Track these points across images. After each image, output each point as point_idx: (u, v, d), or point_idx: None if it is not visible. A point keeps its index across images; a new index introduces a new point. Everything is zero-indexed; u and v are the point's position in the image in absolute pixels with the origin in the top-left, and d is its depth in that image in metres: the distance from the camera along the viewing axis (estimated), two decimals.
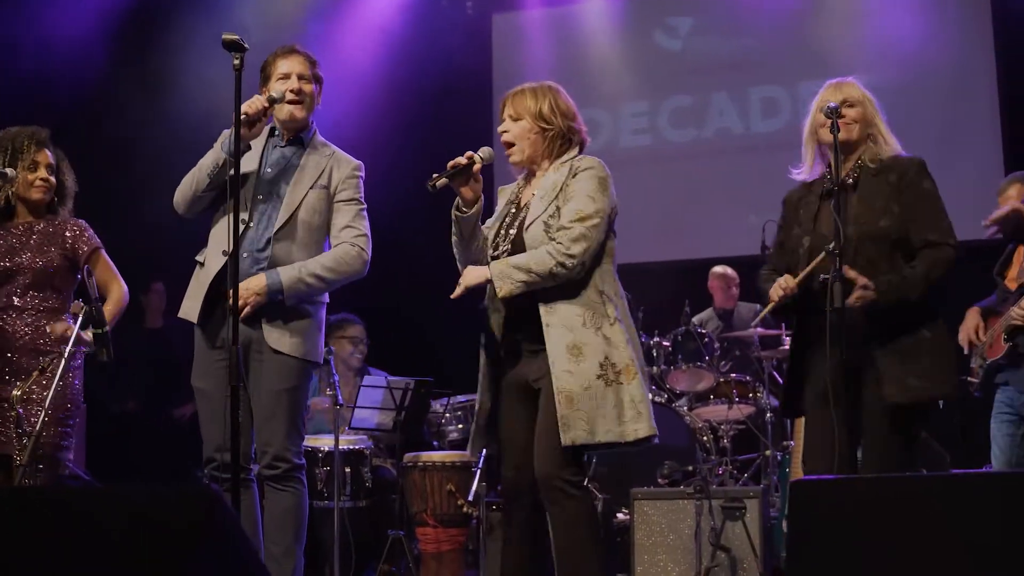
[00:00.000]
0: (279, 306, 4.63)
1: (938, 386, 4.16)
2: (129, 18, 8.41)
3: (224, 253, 4.52)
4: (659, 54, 9.77)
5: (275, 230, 4.66)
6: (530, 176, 4.40)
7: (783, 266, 4.42)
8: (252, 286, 4.52)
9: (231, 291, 4.11)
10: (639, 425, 4.05)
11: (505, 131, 4.30)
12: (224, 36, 4.03)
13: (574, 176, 4.20)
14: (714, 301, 8.65)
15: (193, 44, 8.01)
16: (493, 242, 4.34)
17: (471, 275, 4.14)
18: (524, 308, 4.16)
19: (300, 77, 4.74)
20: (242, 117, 4.31)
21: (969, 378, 5.59)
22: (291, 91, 4.69)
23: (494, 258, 4.27)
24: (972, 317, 5.57)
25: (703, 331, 7.66)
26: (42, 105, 7.13)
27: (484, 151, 4.19)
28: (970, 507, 2.53)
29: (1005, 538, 2.48)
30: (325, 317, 4.87)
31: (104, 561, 2.34)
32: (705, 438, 7.40)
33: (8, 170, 4.90)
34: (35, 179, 4.95)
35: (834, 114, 4.20)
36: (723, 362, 7.72)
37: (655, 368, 7.67)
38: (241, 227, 4.60)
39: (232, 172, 4.20)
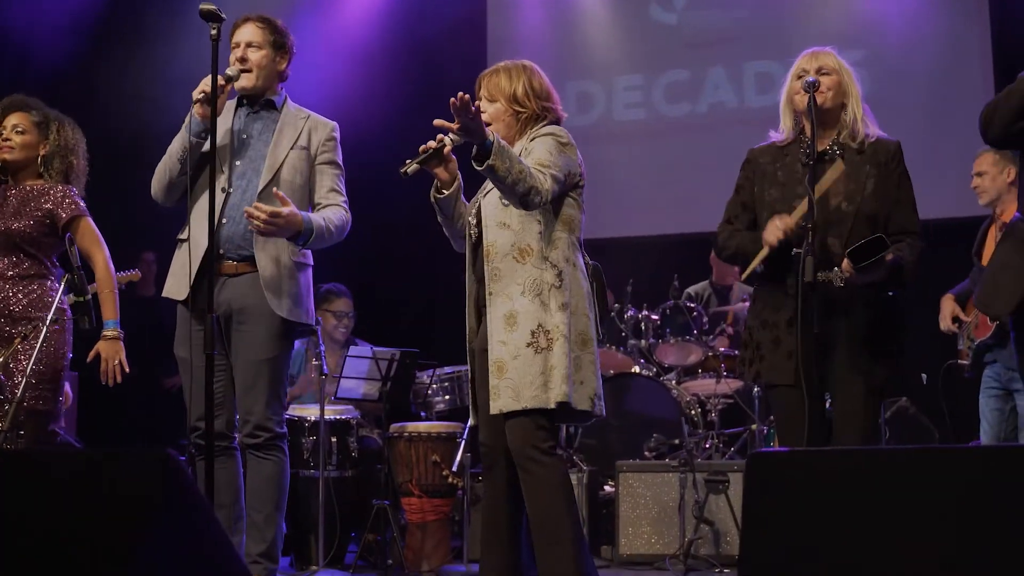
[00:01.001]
0: (273, 266, 4.67)
1: (896, 368, 4.21)
2: None
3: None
4: (655, 27, 9.73)
5: (259, 190, 4.68)
6: None
7: (744, 227, 4.39)
8: (289, 215, 4.51)
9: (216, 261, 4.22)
10: (561, 391, 4.03)
11: (483, 111, 4.25)
12: (201, 6, 4.05)
13: (531, 140, 4.22)
14: (712, 275, 8.59)
15: (184, 12, 8.00)
16: (469, 221, 4.38)
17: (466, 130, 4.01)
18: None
19: (248, 45, 4.76)
20: (194, 101, 4.42)
21: (959, 360, 5.66)
22: (238, 60, 4.73)
23: (474, 243, 4.32)
24: (947, 304, 5.69)
25: (692, 305, 7.67)
26: (32, 71, 7.16)
27: (453, 136, 4.17)
28: (932, 481, 2.54)
29: (966, 513, 2.49)
30: (311, 281, 4.90)
31: (59, 524, 2.36)
32: (693, 412, 7.42)
33: None
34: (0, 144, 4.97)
35: (812, 88, 4.19)
36: (712, 336, 7.72)
37: (643, 341, 7.68)
38: (222, 195, 4.64)
39: (208, 146, 4.22)
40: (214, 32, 4.07)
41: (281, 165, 4.72)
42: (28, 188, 5.00)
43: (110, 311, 4.97)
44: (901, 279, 4.17)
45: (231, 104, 4.81)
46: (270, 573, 4.76)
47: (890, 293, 4.25)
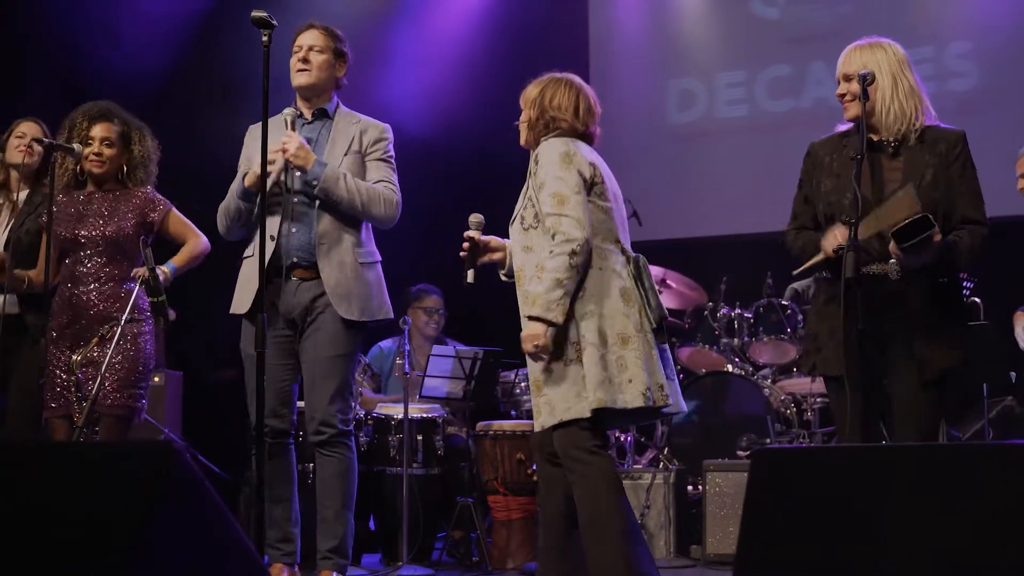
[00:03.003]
0: (338, 271, 4.79)
1: (954, 359, 4.11)
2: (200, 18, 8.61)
3: (272, 238, 4.70)
4: (756, 23, 9.62)
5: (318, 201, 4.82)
6: None
7: (810, 223, 4.39)
8: (302, 151, 4.75)
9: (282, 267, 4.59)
10: (593, 398, 4.07)
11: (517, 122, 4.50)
12: (253, 13, 4.16)
13: (536, 161, 4.29)
14: None
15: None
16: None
17: (528, 339, 4.14)
18: None
19: (311, 48, 4.93)
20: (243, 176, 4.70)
21: None
22: (299, 59, 4.89)
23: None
24: (1020, 321, 5.54)
25: (787, 303, 7.57)
26: (116, 81, 7.37)
27: (473, 219, 4.46)
28: (935, 478, 2.51)
29: (969, 510, 2.46)
30: (382, 276, 5.01)
31: (68, 512, 2.45)
32: (788, 411, 7.34)
33: (75, 145, 5.11)
34: (89, 153, 5.15)
35: (863, 81, 4.15)
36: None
37: (736, 340, 7.62)
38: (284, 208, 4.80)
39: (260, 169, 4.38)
40: (265, 39, 4.18)
41: (338, 168, 4.86)
42: (116, 193, 5.19)
43: (176, 259, 5.16)
44: (955, 261, 4.10)
45: (279, 123, 4.85)
46: (341, 568, 4.86)
47: (942, 279, 4.15)
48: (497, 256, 4.48)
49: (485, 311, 8.50)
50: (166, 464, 2.45)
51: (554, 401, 4.14)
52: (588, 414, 4.09)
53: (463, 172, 9.20)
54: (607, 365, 4.11)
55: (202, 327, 7.35)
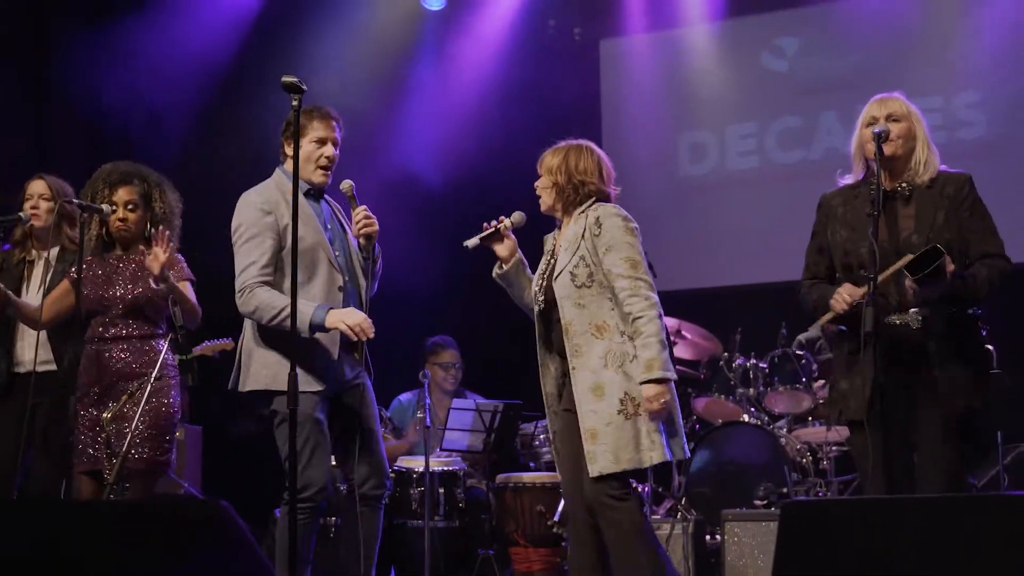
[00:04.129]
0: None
1: (977, 404, 4.18)
2: (231, 58, 8.73)
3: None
4: (766, 75, 9.73)
5: (364, 284, 5.00)
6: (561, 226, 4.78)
7: (823, 272, 4.49)
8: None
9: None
10: (653, 452, 4.44)
11: (536, 186, 4.77)
12: (283, 79, 4.23)
13: (599, 224, 4.54)
14: None
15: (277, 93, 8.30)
16: (534, 291, 4.76)
17: (652, 400, 4.43)
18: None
19: (335, 144, 4.98)
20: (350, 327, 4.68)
21: None
22: (326, 157, 4.92)
23: (540, 313, 4.72)
24: None
25: (801, 352, 7.63)
26: (148, 139, 7.47)
27: (515, 216, 4.80)
28: (967, 530, 2.56)
29: (998, 563, 2.51)
30: None
31: (116, 570, 2.52)
32: (804, 460, 7.38)
33: (104, 206, 5.18)
34: (115, 219, 5.22)
35: (878, 139, 4.24)
36: (823, 384, 7.67)
37: (752, 390, 7.67)
38: (342, 294, 4.87)
39: (291, 234, 4.41)
40: (295, 103, 4.26)
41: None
42: (143, 256, 5.22)
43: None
44: (975, 291, 4.19)
45: (288, 190, 4.78)
46: None
47: (969, 311, 4.24)
48: (503, 254, 4.82)
49: (503, 363, 8.58)
50: (214, 521, 2.52)
51: (617, 450, 4.41)
52: (647, 465, 4.44)
53: (476, 228, 9.28)
54: (672, 421, 4.52)
55: (222, 381, 7.41)
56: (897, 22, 9.24)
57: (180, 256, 5.31)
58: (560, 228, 4.78)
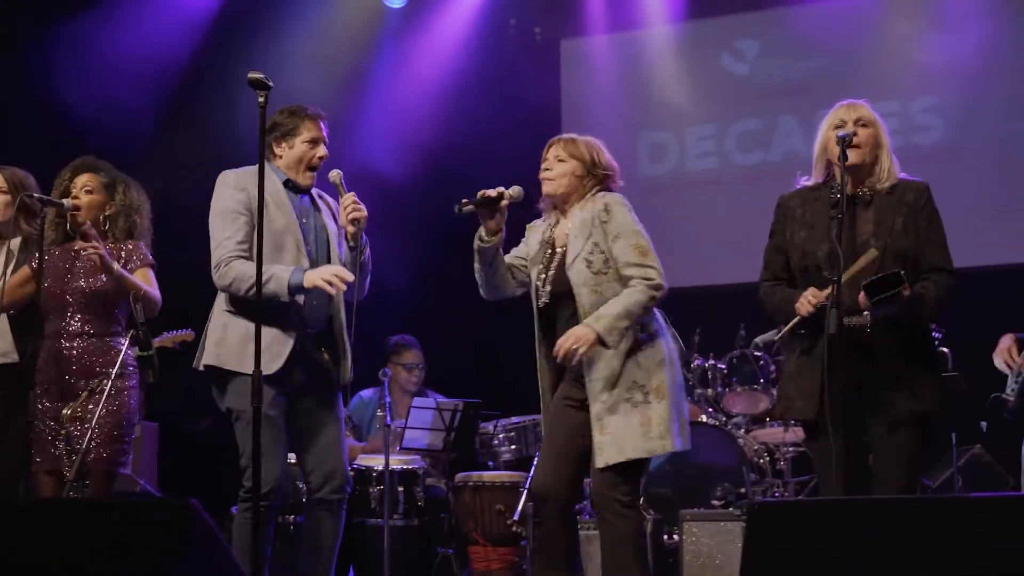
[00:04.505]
0: (341, 339, 4.93)
1: (929, 404, 4.23)
2: (193, 55, 8.68)
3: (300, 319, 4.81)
4: (726, 77, 9.78)
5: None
6: (558, 216, 4.72)
7: (782, 272, 4.52)
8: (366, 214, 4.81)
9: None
10: (665, 441, 4.41)
11: (548, 168, 4.66)
12: (250, 75, 4.21)
13: (607, 211, 4.53)
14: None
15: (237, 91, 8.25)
16: (536, 285, 4.68)
17: (578, 340, 4.38)
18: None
19: (325, 143, 4.97)
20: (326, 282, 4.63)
21: (1003, 395, 5.54)
22: (319, 157, 4.91)
23: (542, 307, 4.63)
24: (1006, 340, 5.58)
25: (759, 354, 7.69)
26: (101, 137, 7.41)
27: (514, 189, 4.68)
28: (933, 532, 2.59)
29: (967, 564, 2.53)
30: None
31: (90, 569, 2.51)
32: (761, 460, 7.43)
33: (65, 201, 5.14)
34: (72, 205, 5.17)
35: (843, 142, 4.27)
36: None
37: (710, 391, 7.72)
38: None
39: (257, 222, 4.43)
40: (262, 100, 4.23)
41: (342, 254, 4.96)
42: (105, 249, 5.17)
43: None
44: (923, 313, 4.22)
45: (271, 179, 4.88)
46: None
47: (913, 329, 4.28)
48: (491, 226, 4.68)
49: (464, 362, 8.59)
50: (187, 521, 2.51)
51: (622, 439, 4.39)
52: (658, 453, 4.48)
53: (436, 224, 9.26)
54: (681, 412, 4.51)
55: (178, 378, 7.37)
56: (856, 27, 9.32)
57: (141, 243, 5.25)
58: (553, 220, 4.73)
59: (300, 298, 4.73)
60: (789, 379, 4.49)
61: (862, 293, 4.10)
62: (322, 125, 4.95)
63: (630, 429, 4.39)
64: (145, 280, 5.17)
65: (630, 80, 9.96)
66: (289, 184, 4.94)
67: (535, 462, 4.75)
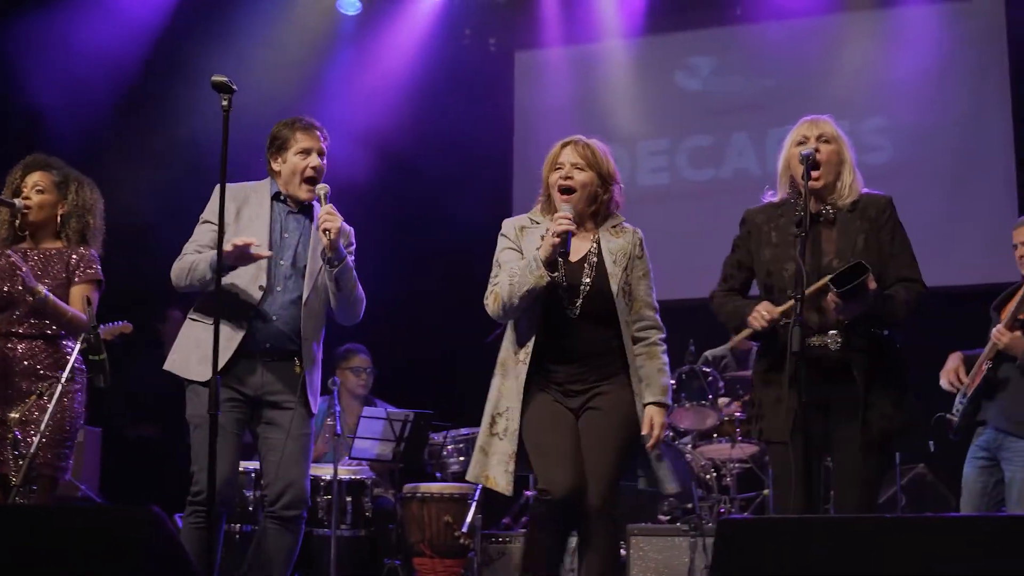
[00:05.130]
0: (312, 367, 4.84)
1: (897, 422, 4.24)
2: (146, 55, 8.61)
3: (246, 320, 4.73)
4: (679, 93, 9.85)
5: (305, 298, 4.81)
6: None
7: (739, 286, 4.51)
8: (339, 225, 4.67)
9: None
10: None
11: (570, 177, 4.46)
12: (213, 78, 4.18)
13: (642, 248, 4.63)
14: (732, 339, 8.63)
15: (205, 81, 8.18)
16: (562, 296, 4.45)
17: (663, 426, 4.48)
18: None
19: (319, 153, 4.89)
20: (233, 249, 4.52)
21: (948, 415, 5.55)
22: (312, 168, 4.84)
23: (575, 317, 4.44)
24: (953, 360, 5.58)
25: (708, 369, 7.72)
26: (55, 134, 7.33)
27: (568, 209, 4.35)
28: (899, 550, 2.59)
29: None
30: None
31: (53, 573, 2.46)
32: (708, 476, 7.45)
33: (16, 201, 5.05)
34: (23, 204, 5.09)
35: (807, 161, 4.28)
36: (728, 401, 7.76)
37: None
38: (261, 293, 4.76)
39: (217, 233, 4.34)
40: (225, 103, 4.19)
41: (319, 272, 4.83)
42: (51, 251, 5.10)
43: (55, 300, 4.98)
44: (894, 312, 4.24)
45: (260, 192, 4.89)
46: None
47: (885, 333, 4.28)
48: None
49: (415, 372, 8.55)
50: (149, 528, 2.47)
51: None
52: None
53: (395, 224, 9.23)
54: None
55: (122, 383, 7.29)
56: (808, 47, 9.41)
57: (93, 253, 5.16)
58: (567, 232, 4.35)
59: (256, 295, 4.69)
60: (756, 395, 4.50)
61: (832, 292, 4.09)
62: (319, 136, 4.89)
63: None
64: (82, 296, 4.99)
65: (583, 93, 10.00)
66: (282, 199, 4.89)
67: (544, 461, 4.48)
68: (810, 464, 4.14)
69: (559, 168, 4.48)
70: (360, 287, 4.91)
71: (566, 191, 4.43)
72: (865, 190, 4.47)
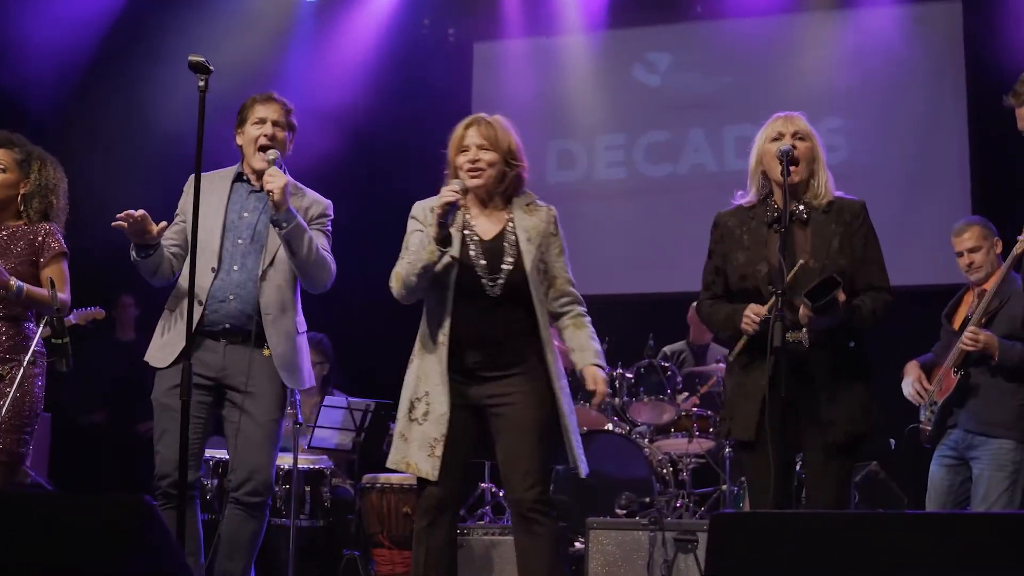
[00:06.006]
0: (284, 341, 4.77)
1: (861, 424, 4.26)
2: (106, 35, 8.51)
3: (200, 302, 4.66)
4: (638, 88, 9.87)
5: (261, 271, 4.75)
6: (475, 203, 4.46)
7: (721, 292, 4.48)
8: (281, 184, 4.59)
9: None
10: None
11: (477, 160, 4.35)
12: (190, 57, 4.12)
13: (556, 225, 4.51)
14: (689, 335, 8.67)
15: (168, 61, 8.08)
16: (481, 275, 4.36)
17: (600, 384, 4.51)
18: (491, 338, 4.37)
19: (275, 124, 4.84)
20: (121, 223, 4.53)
21: (920, 424, 5.58)
22: (264, 136, 4.79)
23: (495, 296, 4.34)
24: (913, 370, 5.61)
25: (667, 364, 7.74)
26: (16, 112, 7.21)
27: (458, 184, 4.28)
28: (888, 546, 2.60)
29: None
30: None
31: (37, 563, 2.40)
32: (665, 471, 7.46)
33: None
34: None
35: (786, 157, 4.26)
36: (686, 396, 7.78)
37: (617, 399, 7.74)
38: (213, 274, 4.72)
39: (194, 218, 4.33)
40: (202, 84, 4.13)
41: (279, 246, 4.76)
42: (12, 228, 4.98)
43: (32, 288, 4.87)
44: (859, 323, 4.26)
45: (225, 177, 4.87)
46: None
47: (851, 344, 4.31)
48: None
49: (375, 362, 8.48)
50: (140, 518, 2.42)
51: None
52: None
53: (352, 211, 9.16)
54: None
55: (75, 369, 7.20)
56: (767, 45, 9.48)
57: (55, 227, 5.05)
58: (470, 208, 4.43)
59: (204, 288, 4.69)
60: (730, 398, 4.47)
61: (806, 307, 4.09)
62: (279, 108, 4.86)
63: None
64: (58, 275, 4.91)
65: (542, 86, 9.99)
66: (244, 178, 4.87)
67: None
68: (784, 462, 4.16)
69: (465, 151, 4.38)
70: (324, 253, 4.81)
71: (477, 170, 4.36)
72: (838, 193, 4.46)
